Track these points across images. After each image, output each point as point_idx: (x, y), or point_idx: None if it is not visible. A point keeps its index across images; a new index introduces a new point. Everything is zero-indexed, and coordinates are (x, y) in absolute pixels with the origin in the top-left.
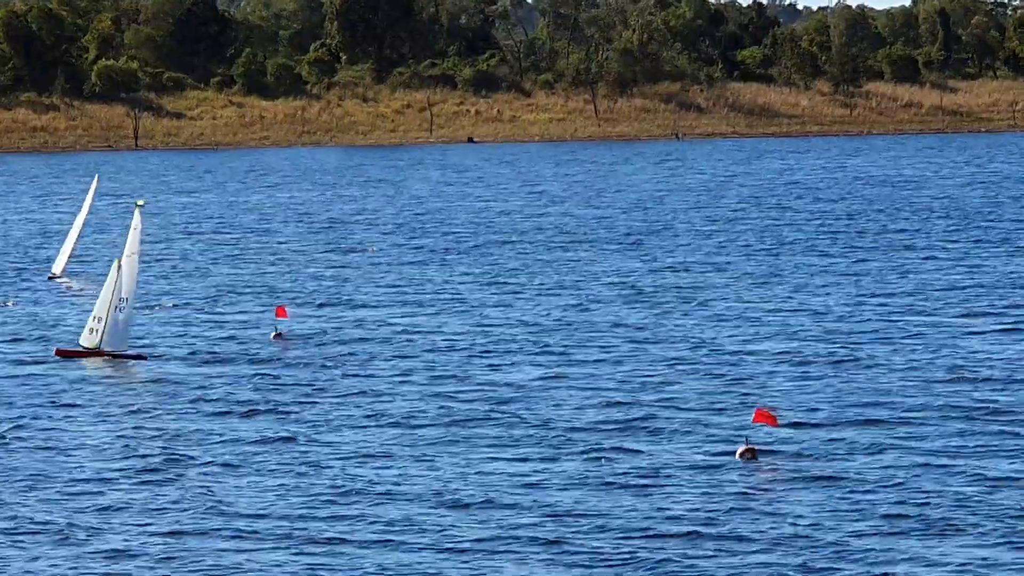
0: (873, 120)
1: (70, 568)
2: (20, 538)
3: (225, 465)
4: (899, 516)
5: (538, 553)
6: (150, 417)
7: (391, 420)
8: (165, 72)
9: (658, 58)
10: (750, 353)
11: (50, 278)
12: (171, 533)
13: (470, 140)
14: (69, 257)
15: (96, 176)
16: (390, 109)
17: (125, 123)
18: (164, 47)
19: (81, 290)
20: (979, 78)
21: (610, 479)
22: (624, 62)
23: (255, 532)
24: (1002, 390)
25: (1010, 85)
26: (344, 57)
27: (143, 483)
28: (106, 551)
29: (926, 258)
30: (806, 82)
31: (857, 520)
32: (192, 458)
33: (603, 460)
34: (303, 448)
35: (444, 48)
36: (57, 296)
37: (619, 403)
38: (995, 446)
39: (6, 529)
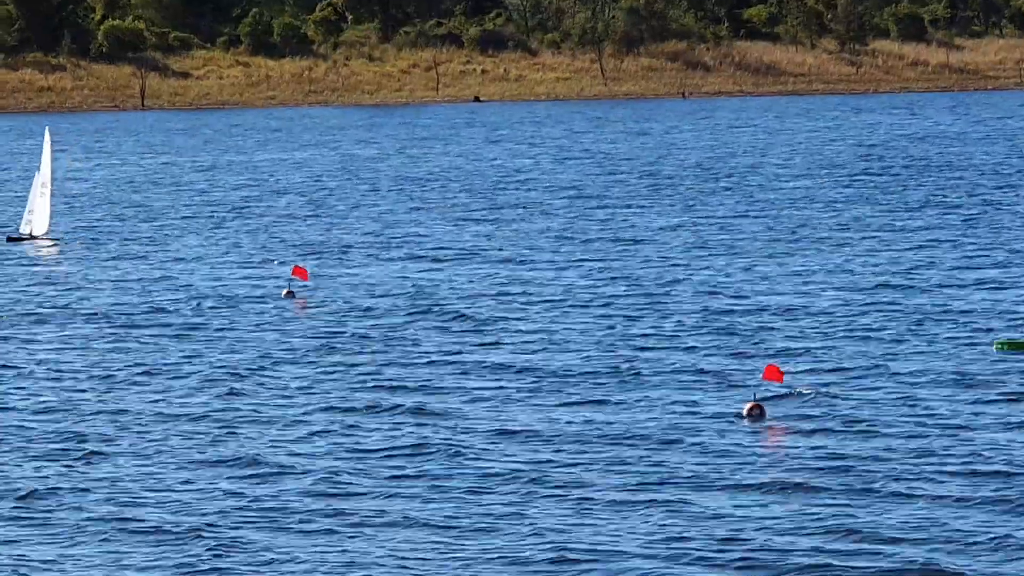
0: (879, 78)
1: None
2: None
3: (231, 416)
4: (913, 477)
5: (543, 505)
6: (114, 372)
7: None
8: (171, 32)
9: (664, 17)
10: (764, 308)
11: (10, 239)
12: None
13: (476, 99)
14: (49, 216)
15: (47, 129)
16: (396, 68)
17: (131, 83)
18: (170, 7)
19: (76, 250)
20: (985, 36)
21: (612, 432)
22: (630, 21)
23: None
24: None
25: (1016, 43)
26: (350, 16)
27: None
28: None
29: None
30: (812, 40)
31: (865, 480)
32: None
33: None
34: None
35: (450, 7)
36: (46, 257)
37: (626, 355)
38: (1016, 405)
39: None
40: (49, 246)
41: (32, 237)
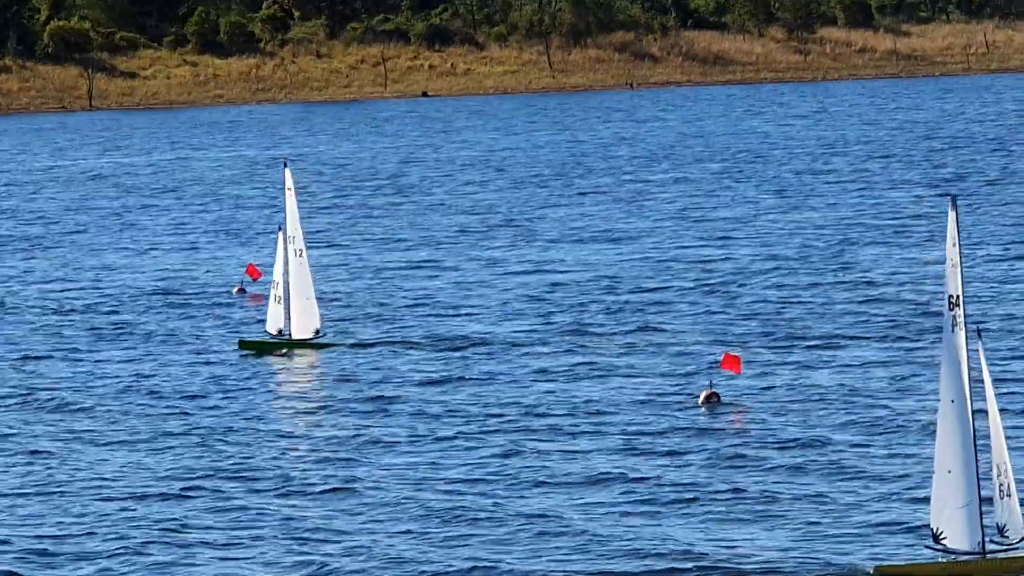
0: (828, 66)
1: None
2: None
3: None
4: (861, 466)
5: (508, 494)
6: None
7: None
8: (118, 32)
9: (611, 8)
10: (726, 294)
11: None
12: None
13: (424, 94)
14: None
15: None
16: (344, 65)
17: (79, 84)
18: (116, 7)
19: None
20: (932, 22)
21: (567, 417)
22: (577, 12)
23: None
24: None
25: (963, 28)
26: (297, 14)
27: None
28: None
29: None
30: (760, 29)
31: (816, 466)
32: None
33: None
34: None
35: (397, 3)
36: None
37: (585, 337)
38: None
39: None
40: None
41: None
